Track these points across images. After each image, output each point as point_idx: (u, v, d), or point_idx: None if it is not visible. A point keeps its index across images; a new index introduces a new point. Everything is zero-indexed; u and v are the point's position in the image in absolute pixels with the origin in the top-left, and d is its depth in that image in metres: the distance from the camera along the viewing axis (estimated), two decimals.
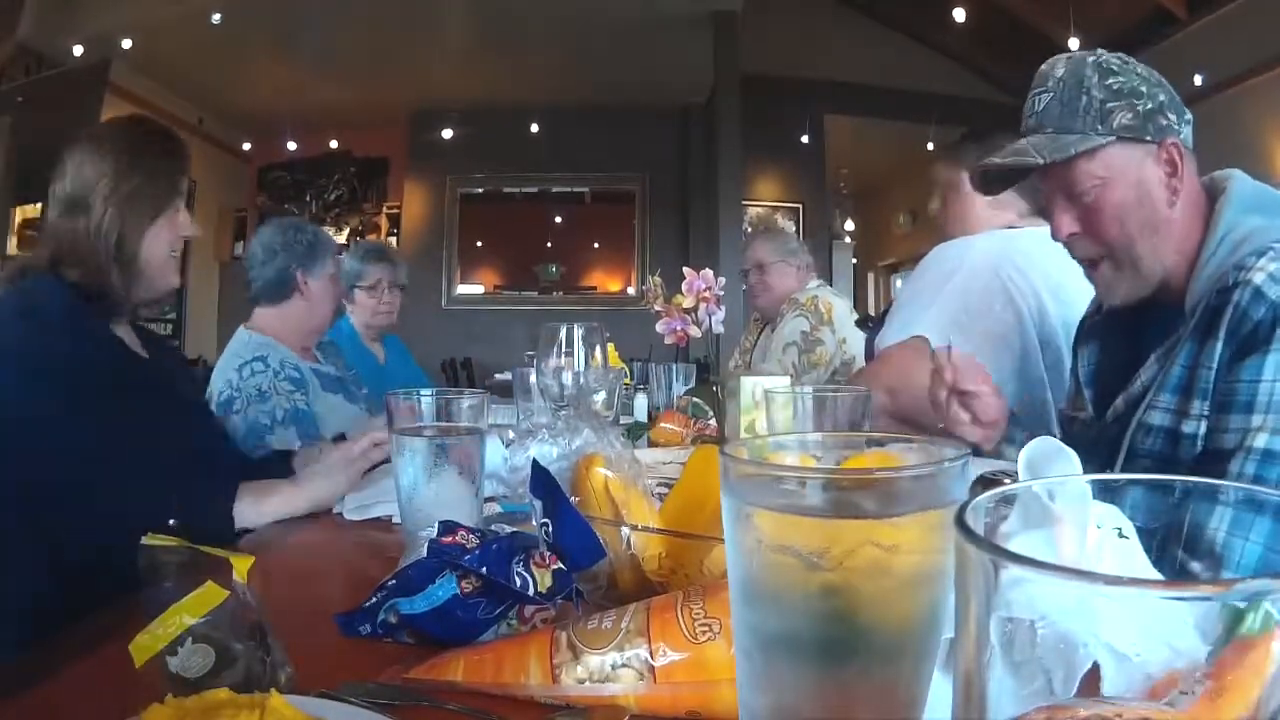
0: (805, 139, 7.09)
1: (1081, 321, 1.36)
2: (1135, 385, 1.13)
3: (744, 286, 3.17)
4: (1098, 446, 1.17)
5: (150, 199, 1.30)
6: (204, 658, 0.54)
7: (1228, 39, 4.94)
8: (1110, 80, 1.09)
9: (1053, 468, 0.54)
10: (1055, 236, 1.17)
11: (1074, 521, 0.33)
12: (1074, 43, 5.12)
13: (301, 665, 0.60)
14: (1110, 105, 1.08)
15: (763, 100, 6.30)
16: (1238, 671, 0.21)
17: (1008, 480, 0.71)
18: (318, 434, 1.76)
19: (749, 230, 6.61)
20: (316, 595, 0.86)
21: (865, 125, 7.39)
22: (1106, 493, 0.32)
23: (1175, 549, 0.32)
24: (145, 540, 0.61)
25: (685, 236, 7.31)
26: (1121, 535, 0.35)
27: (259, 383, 1.74)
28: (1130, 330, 1.21)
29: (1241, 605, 0.20)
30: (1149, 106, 1.08)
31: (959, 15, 5.67)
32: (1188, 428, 1.03)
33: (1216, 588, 0.20)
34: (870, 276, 9.78)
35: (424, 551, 0.71)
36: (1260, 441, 0.96)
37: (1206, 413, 1.02)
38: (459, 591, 0.66)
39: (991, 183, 1.25)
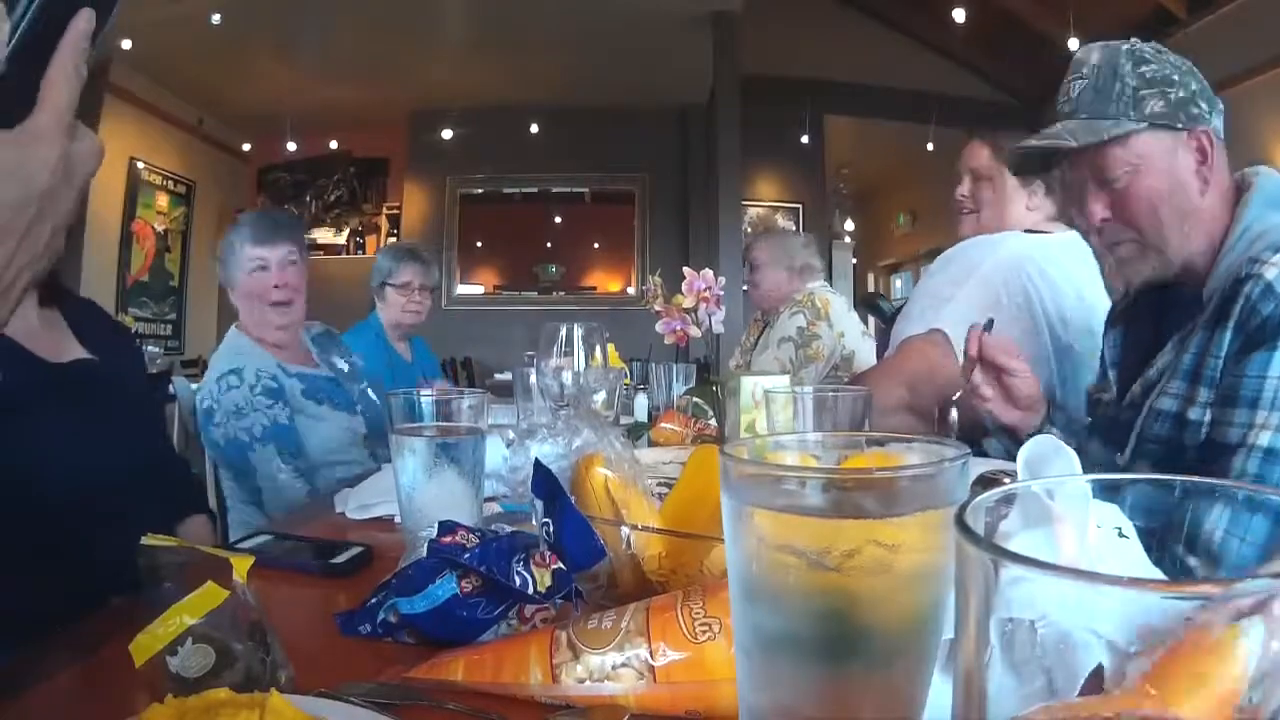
0: (805, 139, 7.09)
1: (1113, 307, 1.36)
2: (1151, 370, 1.14)
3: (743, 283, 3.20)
4: (1114, 429, 1.19)
5: None
6: (204, 658, 0.54)
7: (1228, 39, 4.94)
8: (1143, 68, 1.10)
9: (1051, 467, 0.54)
10: (1088, 222, 1.18)
11: (1074, 521, 0.33)
12: (1074, 43, 5.11)
13: (301, 665, 0.60)
14: (1143, 92, 1.09)
15: (763, 100, 6.29)
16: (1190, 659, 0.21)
17: (1007, 480, 0.71)
18: (299, 449, 1.75)
19: (749, 230, 6.63)
20: (316, 595, 0.86)
21: (865, 125, 7.39)
22: (1106, 492, 0.32)
23: (1174, 547, 0.32)
24: (145, 540, 0.61)
25: (685, 236, 7.31)
26: (1121, 535, 0.35)
27: (235, 399, 1.73)
28: (1154, 316, 1.23)
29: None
30: (1180, 95, 1.09)
31: (959, 15, 5.66)
32: (1194, 415, 1.05)
33: (1216, 587, 0.20)
34: (870, 276, 9.79)
35: (424, 551, 0.71)
36: (1264, 440, 0.97)
37: (1213, 400, 1.03)
38: (459, 591, 0.66)
39: (1024, 167, 1.27)
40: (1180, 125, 1.09)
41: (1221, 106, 1.13)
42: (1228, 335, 1.02)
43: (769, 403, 0.99)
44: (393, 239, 7.60)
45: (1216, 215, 1.11)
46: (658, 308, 2.01)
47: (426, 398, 0.92)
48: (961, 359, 1.28)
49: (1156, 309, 1.23)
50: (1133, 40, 1.15)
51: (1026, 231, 1.73)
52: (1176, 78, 1.10)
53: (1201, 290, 1.10)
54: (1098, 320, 1.48)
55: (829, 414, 0.95)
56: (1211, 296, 1.06)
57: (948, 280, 1.70)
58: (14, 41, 0.54)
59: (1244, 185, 1.13)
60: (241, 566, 0.58)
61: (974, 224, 1.82)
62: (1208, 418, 1.03)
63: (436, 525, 0.74)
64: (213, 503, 1.87)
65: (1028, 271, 1.62)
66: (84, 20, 0.57)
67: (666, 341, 2.03)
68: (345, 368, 2.04)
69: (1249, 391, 0.98)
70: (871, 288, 9.66)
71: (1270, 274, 0.99)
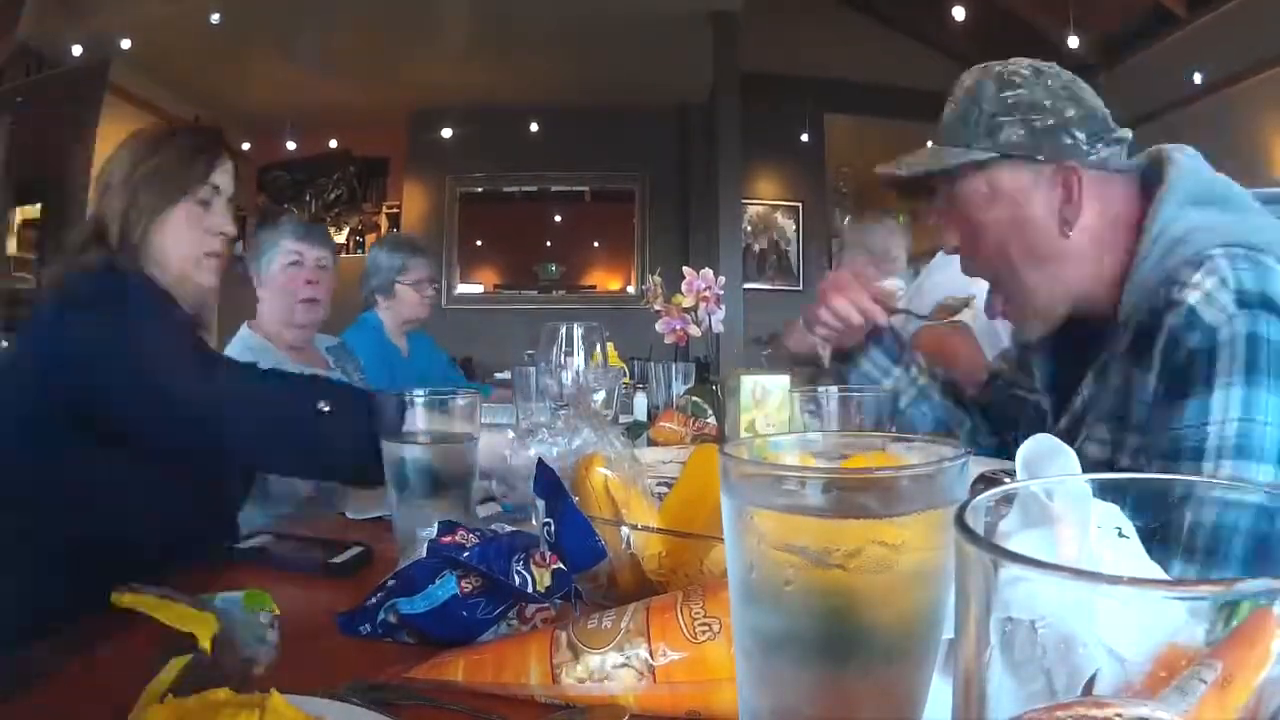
0: (805, 138, 7.08)
1: None
2: (1076, 403, 1.05)
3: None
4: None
5: (165, 180, 1.18)
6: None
7: (1228, 38, 4.93)
8: (1007, 93, 0.99)
9: (1050, 467, 0.53)
10: (944, 251, 1.15)
11: (1074, 521, 0.33)
12: (1074, 41, 5.11)
13: (302, 665, 0.60)
14: (1000, 119, 0.99)
15: (763, 99, 6.29)
16: (1242, 669, 0.21)
17: (1008, 479, 0.71)
18: None
19: (749, 229, 6.62)
20: (316, 595, 0.86)
21: (865, 125, 7.38)
22: (1105, 492, 0.32)
23: (1175, 546, 0.32)
24: (114, 598, 0.58)
25: (685, 236, 7.30)
26: (1121, 535, 0.35)
27: None
28: (1074, 339, 1.11)
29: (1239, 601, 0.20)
30: (1049, 123, 0.98)
31: (959, 14, 5.66)
32: (1124, 462, 0.94)
33: (1217, 587, 0.20)
34: None
35: (423, 551, 0.71)
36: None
37: (1143, 447, 0.92)
38: (459, 591, 0.66)
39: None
40: (1042, 157, 0.98)
41: (1121, 134, 1.00)
42: (1151, 375, 0.90)
43: (768, 401, 0.99)
44: None
45: (1102, 250, 0.99)
46: (658, 307, 2.01)
47: (420, 399, 0.92)
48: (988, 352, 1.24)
49: (1072, 332, 1.10)
50: (1015, 61, 1.02)
51: None
52: (1048, 104, 0.98)
53: (1114, 311, 0.99)
54: None
55: (853, 413, 0.95)
56: (1129, 319, 0.96)
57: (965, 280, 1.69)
58: None
59: (1157, 164, 1.00)
60: (204, 633, 0.55)
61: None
62: (1139, 463, 0.91)
63: (436, 525, 0.74)
64: None
65: None
66: None
67: (666, 341, 2.02)
68: (359, 379, 2.08)
69: (1192, 442, 0.86)
70: None
71: (1193, 298, 0.86)
